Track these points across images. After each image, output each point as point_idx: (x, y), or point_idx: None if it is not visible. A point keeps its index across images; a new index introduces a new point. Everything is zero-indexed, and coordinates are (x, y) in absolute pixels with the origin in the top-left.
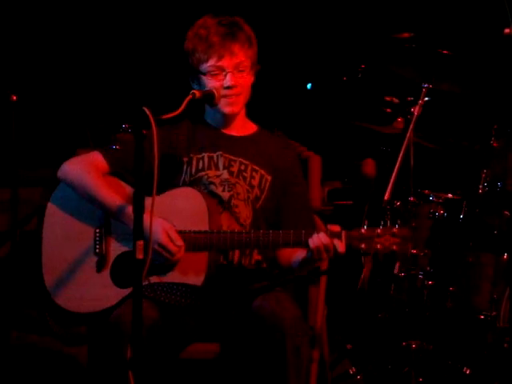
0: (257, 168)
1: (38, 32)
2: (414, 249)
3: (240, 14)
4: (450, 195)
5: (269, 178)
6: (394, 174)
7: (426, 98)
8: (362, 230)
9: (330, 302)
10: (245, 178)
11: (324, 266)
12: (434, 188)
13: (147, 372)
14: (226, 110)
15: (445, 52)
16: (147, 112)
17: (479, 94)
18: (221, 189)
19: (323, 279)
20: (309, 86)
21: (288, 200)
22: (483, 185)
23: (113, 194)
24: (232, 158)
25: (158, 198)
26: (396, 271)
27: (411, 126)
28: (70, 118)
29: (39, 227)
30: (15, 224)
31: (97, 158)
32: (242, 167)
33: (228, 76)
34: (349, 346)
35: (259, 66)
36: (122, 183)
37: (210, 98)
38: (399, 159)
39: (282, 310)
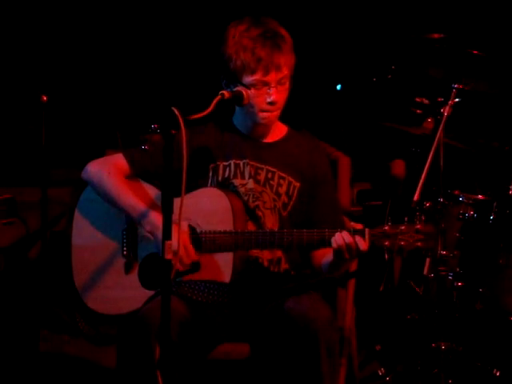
0: (284, 175)
1: (68, 33)
2: (443, 250)
3: (268, 14)
4: (480, 196)
5: (297, 184)
6: (423, 175)
7: (456, 99)
8: (386, 227)
9: (358, 303)
10: (271, 187)
11: (352, 267)
12: (463, 189)
13: (176, 371)
14: (263, 122)
15: (475, 52)
16: (176, 112)
17: (510, 94)
18: (246, 199)
19: (352, 280)
20: (338, 86)
21: (317, 205)
22: None
23: (134, 197)
24: (259, 165)
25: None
26: (425, 272)
27: (441, 127)
28: (99, 119)
29: (68, 229)
30: (45, 224)
31: (119, 160)
32: (269, 175)
33: (271, 91)
34: (378, 347)
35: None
36: (145, 185)
37: (239, 98)
38: (429, 160)
39: (315, 311)
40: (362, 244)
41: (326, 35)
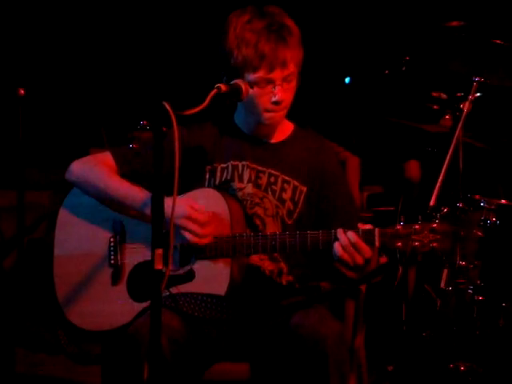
0: (289, 179)
1: (48, 20)
2: (462, 260)
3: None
4: (503, 201)
5: (304, 188)
6: (440, 178)
7: (477, 94)
8: (398, 227)
9: (368, 319)
10: (274, 192)
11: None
12: (485, 193)
13: None
14: (268, 122)
15: (498, 42)
16: (167, 107)
17: None
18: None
19: (362, 293)
20: (347, 80)
21: (328, 209)
22: None
23: (127, 184)
24: (260, 168)
25: (176, 199)
26: (443, 285)
27: (460, 124)
28: (82, 114)
29: (50, 236)
30: (22, 230)
31: (107, 158)
32: (272, 179)
33: (276, 89)
34: (390, 368)
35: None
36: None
37: (236, 92)
38: (447, 161)
39: (324, 328)
40: (366, 251)
41: (332, 22)
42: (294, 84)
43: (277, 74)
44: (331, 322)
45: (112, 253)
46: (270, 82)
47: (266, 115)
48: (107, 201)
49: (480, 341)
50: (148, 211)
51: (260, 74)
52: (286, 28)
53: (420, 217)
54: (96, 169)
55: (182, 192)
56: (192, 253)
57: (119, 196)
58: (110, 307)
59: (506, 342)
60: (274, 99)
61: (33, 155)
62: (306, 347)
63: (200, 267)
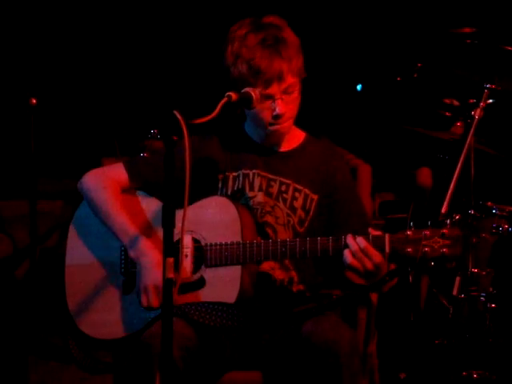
0: (300, 187)
1: (60, 30)
2: (475, 267)
3: (280, 11)
4: None
5: (315, 197)
6: (452, 185)
7: (489, 100)
8: (408, 232)
9: (380, 326)
10: (285, 200)
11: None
12: (497, 200)
13: None
14: (275, 134)
15: (509, 48)
16: (178, 116)
17: None
18: (254, 213)
19: (374, 300)
20: (359, 87)
21: (339, 217)
22: None
23: (125, 218)
24: (271, 177)
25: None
26: (455, 292)
27: (472, 131)
28: (94, 123)
29: (61, 246)
30: (34, 240)
31: (119, 172)
32: (283, 188)
33: (276, 103)
34: (402, 375)
35: (305, 74)
36: (146, 199)
37: (247, 101)
38: (458, 168)
39: (337, 335)
40: (376, 256)
41: (344, 29)
42: (295, 95)
43: (274, 89)
44: (343, 330)
45: (123, 262)
46: (269, 97)
47: (271, 128)
48: (105, 226)
49: (493, 348)
50: (131, 253)
51: (257, 90)
52: (280, 40)
53: (430, 222)
54: (104, 192)
55: (193, 201)
56: (202, 262)
57: (113, 227)
58: (122, 316)
59: None
60: (274, 113)
61: (45, 165)
62: (319, 355)
63: (211, 274)
